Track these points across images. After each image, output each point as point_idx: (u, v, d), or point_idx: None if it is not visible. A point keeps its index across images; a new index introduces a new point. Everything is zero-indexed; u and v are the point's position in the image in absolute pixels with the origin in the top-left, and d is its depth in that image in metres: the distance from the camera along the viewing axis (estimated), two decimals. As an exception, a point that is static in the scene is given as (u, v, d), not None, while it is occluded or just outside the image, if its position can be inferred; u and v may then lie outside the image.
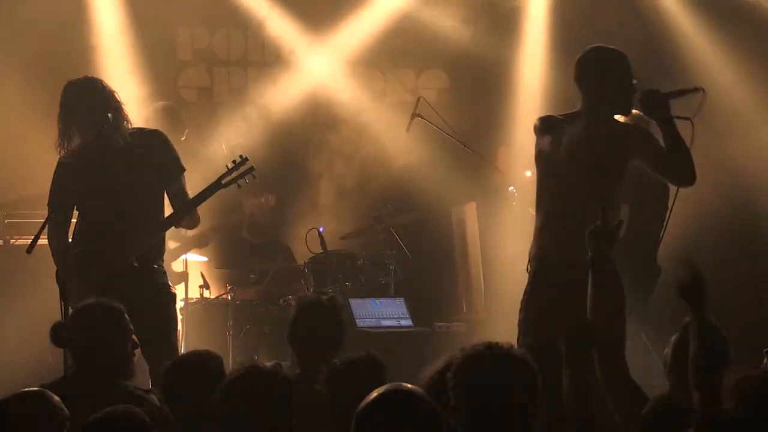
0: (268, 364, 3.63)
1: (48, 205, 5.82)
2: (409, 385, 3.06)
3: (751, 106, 9.11)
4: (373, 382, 3.48)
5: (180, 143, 7.17)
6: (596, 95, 5.48)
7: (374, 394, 3.00)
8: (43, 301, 5.85)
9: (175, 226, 6.02)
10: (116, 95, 5.82)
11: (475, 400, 3.11)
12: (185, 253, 8.38)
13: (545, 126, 5.55)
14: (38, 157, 7.65)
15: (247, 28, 9.82)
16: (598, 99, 5.47)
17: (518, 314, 5.54)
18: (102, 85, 5.84)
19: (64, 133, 5.74)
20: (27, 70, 8.81)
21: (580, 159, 5.44)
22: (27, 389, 3.63)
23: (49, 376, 4.73)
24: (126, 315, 4.68)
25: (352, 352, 4.54)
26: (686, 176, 5.50)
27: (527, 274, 5.58)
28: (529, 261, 5.61)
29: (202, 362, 4.12)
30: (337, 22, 9.68)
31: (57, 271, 5.63)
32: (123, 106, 5.83)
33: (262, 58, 9.94)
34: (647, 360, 6.21)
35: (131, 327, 4.70)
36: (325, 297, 5.14)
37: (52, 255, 5.78)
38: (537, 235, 5.58)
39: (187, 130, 8.18)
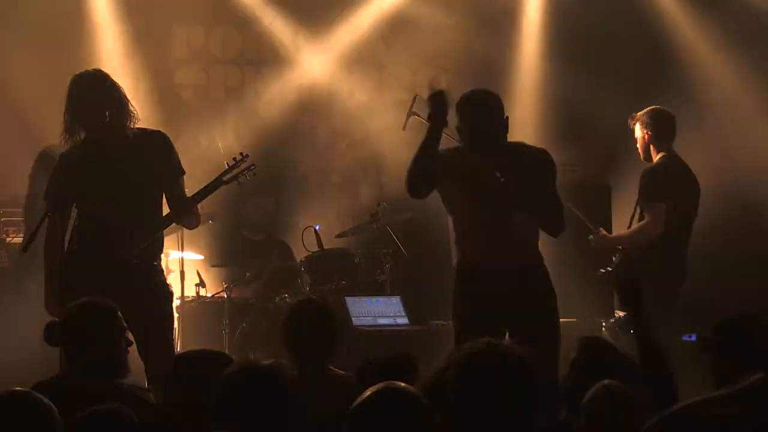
0: (267, 362, 3.63)
1: (45, 198, 5.82)
2: (402, 384, 3.05)
3: (749, 104, 9.12)
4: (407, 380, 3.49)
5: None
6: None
7: (368, 392, 2.99)
8: (40, 300, 5.85)
9: (176, 224, 6.02)
10: (123, 91, 5.80)
11: (474, 398, 3.10)
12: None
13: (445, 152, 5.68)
14: (35, 154, 7.68)
15: (243, 27, 9.82)
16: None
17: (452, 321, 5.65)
18: (109, 80, 5.81)
19: (69, 127, 5.72)
20: (23, 68, 8.80)
21: (477, 183, 5.56)
22: (16, 389, 3.59)
23: (46, 374, 4.73)
24: (119, 312, 4.67)
25: (348, 350, 4.55)
26: (552, 228, 5.65)
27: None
28: (454, 266, 5.75)
29: (215, 361, 4.11)
30: (333, 20, 9.68)
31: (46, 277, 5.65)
32: (129, 103, 5.80)
33: (258, 57, 9.94)
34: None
35: (125, 324, 4.69)
36: (318, 297, 5.13)
37: (45, 253, 5.77)
38: (457, 244, 5.72)
39: None
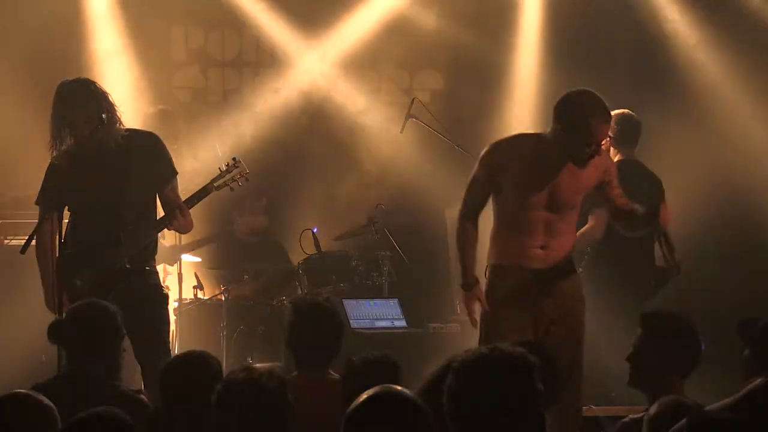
0: (264, 365, 3.64)
1: (36, 202, 5.83)
2: (399, 387, 3.04)
3: (745, 105, 9.12)
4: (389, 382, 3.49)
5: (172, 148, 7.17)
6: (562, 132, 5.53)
7: (364, 396, 2.98)
8: (37, 302, 5.85)
9: (167, 229, 6.01)
10: (109, 96, 5.82)
11: (474, 405, 3.04)
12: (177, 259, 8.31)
13: (504, 146, 5.62)
14: (32, 157, 7.65)
15: (241, 29, 9.81)
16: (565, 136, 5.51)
17: (480, 321, 5.61)
18: (95, 86, 5.84)
19: (57, 134, 5.73)
20: (20, 70, 8.79)
21: (540, 178, 5.49)
22: (17, 391, 3.60)
23: (43, 375, 4.74)
24: (119, 316, 4.69)
25: (347, 352, 4.54)
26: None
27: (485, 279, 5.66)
28: (487, 267, 5.68)
29: (203, 361, 4.14)
30: (331, 22, 9.67)
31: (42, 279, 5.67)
32: (116, 108, 5.81)
33: (256, 59, 9.94)
34: None
35: (123, 329, 4.71)
36: (323, 299, 5.09)
37: (38, 256, 5.78)
38: (494, 242, 5.64)
39: (178, 144, 8.05)
